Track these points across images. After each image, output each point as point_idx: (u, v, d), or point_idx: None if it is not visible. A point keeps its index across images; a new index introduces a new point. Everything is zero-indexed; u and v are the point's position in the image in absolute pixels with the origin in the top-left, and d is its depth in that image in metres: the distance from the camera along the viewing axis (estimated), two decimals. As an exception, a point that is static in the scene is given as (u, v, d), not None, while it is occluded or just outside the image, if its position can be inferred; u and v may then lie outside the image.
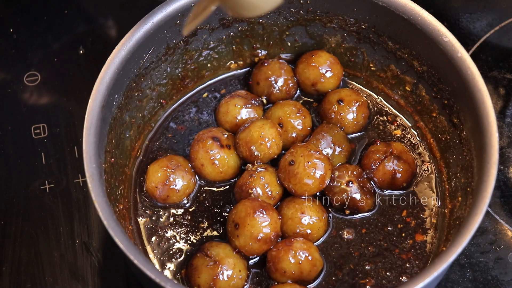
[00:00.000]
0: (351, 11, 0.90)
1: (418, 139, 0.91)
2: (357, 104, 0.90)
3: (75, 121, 0.99)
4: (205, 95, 0.96)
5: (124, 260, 0.86)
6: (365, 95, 0.94)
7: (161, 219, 0.85)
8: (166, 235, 0.83)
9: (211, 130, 0.87)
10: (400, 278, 0.80)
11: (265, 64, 0.94)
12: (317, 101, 0.94)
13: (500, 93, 1.02)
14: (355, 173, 0.84)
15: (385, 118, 0.93)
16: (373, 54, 0.93)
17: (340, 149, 0.87)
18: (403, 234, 0.83)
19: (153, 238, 0.83)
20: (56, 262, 0.87)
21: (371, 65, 0.94)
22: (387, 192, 0.86)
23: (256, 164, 0.85)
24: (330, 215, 0.84)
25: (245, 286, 0.79)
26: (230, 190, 0.86)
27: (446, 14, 1.10)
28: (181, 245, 0.83)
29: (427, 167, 0.88)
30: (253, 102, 0.91)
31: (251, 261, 0.81)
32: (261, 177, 0.83)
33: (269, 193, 0.83)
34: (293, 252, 0.77)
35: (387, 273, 0.80)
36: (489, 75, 1.03)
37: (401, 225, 0.84)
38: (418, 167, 0.88)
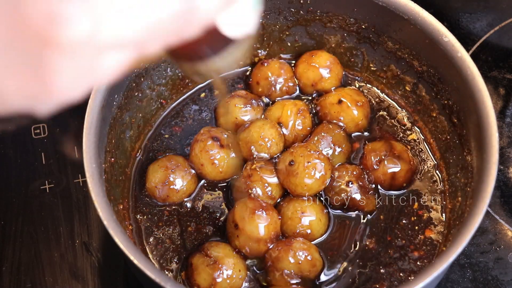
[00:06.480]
0: (351, 11, 0.90)
1: (418, 139, 0.91)
2: (357, 104, 0.90)
3: (75, 121, 0.99)
4: (205, 95, 0.96)
5: (124, 260, 0.86)
6: (365, 95, 0.94)
7: (161, 219, 0.84)
8: (166, 235, 0.83)
9: (211, 130, 0.87)
10: (396, 274, 0.80)
11: (265, 64, 0.94)
12: (317, 101, 0.94)
13: (500, 93, 1.02)
14: (355, 173, 0.84)
15: (385, 118, 0.93)
16: (373, 54, 0.93)
17: (340, 149, 0.87)
18: (403, 235, 0.83)
19: (153, 238, 0.83)
20: (56, 262, 0.87)
21: (371, 65, 0.94)
22: (387, 191, 0.86)
23: (255, 163, 0.85)
24: (331, 215, 0.84)
25: (245, 286, 0.79)
26: (230, 190, 0.86)
27: (446, 14, 1.10)
28: (181, 244, 0.83)
29: (427, 167, 0.88)
30: (253, 102, 0.91)
31: (250, 261, 0.81)
32: (261, 177, 0.83)
33: (269, 193, 0.83)
34: (293, 252, 0.77)
35: (382, 271, 0.80)
36: (489, 75, 1.03)
37: (403, 224, 0.84)
38: (418, 167, 0.88)
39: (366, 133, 0.91)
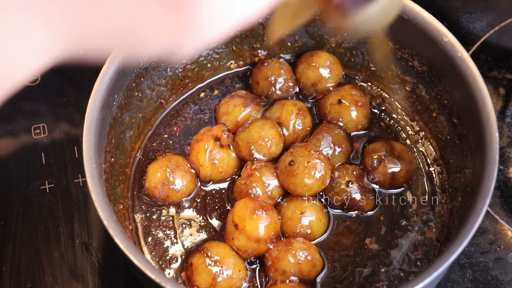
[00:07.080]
0: (351, 11, 0.89)
1: (418, 139, 0.91)
2: (357, 104, 0.90)
3: (75, 121, 0.99)
4: (204, 95, 0.96)
5: (124, 260, 0.86)
6: (365, 95, 0.94)
7: (161, 219, 0.84)
8: (165, 234, 0.83)
9: (211, 130, 0.87)
10: (396, 274, 0.80)
11: (265, 64, 0.94)
12: (317, 101, 0.94)
13: (500, 93, 1.02)
14: (355, 173, 0.84)
15: (385, 118, 0.93)
16: (373, 54, 0.93)
17: (340, 149, 0.87)
18: (403, 235, 0.83)
19: (153, 238, 0.83)
20: (56, 262, 0.87)
21: (371, 65, 0.94)
22: (387, 191, 0.86)
23: (255, 163, 0.85)
24: (331, 215, 0.84)
25: (245, 286, 0.79)
26: (230, 190, 0.86)
27: (446, 14, 1.10)
28: (181, 245, 0.83)
29: (427, 167, 0.88)
30: (253, 102, 0.91)
31: (250, 261, 0.81)
32: (261, 177, 0.83)
33: (269, 193, 0.83)
34: (293, 252, 0.77)
35: (382, 270, 0.80)
36: (489, 75, 1.03)
37: (403, 224, 0.84)
38: (418, 167, 0.88)
39: (366, 133, 0.91)
